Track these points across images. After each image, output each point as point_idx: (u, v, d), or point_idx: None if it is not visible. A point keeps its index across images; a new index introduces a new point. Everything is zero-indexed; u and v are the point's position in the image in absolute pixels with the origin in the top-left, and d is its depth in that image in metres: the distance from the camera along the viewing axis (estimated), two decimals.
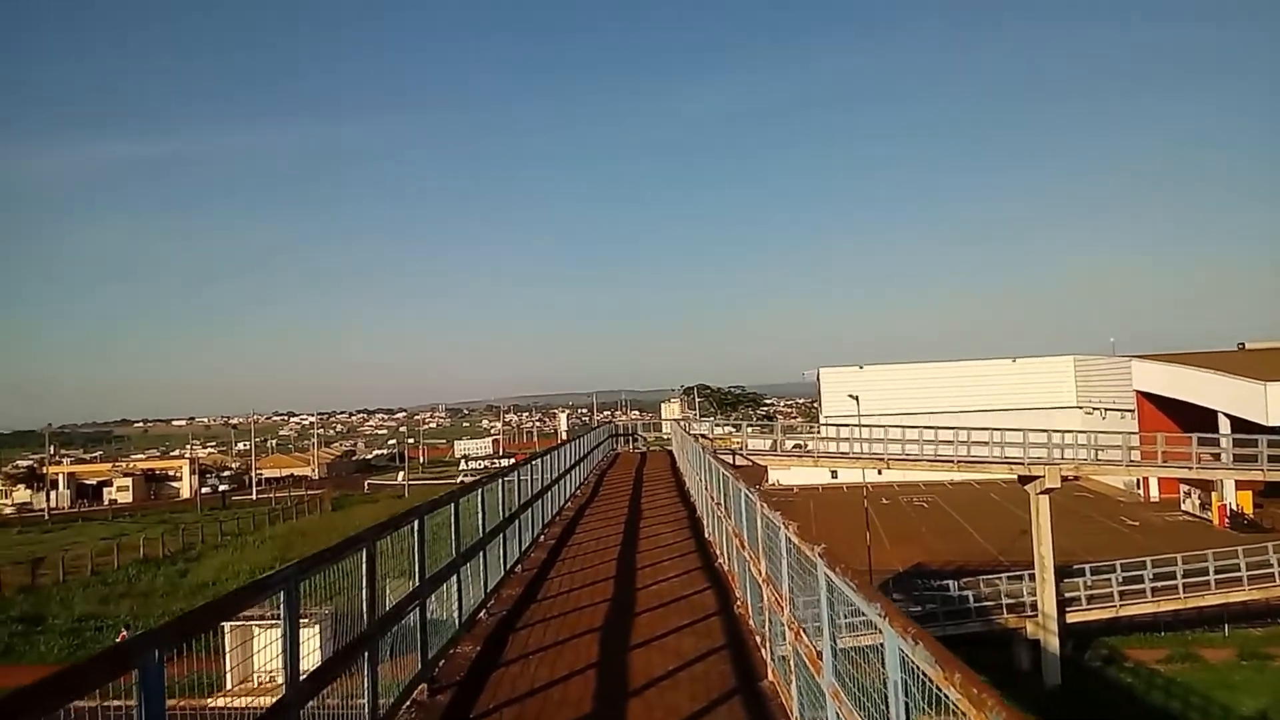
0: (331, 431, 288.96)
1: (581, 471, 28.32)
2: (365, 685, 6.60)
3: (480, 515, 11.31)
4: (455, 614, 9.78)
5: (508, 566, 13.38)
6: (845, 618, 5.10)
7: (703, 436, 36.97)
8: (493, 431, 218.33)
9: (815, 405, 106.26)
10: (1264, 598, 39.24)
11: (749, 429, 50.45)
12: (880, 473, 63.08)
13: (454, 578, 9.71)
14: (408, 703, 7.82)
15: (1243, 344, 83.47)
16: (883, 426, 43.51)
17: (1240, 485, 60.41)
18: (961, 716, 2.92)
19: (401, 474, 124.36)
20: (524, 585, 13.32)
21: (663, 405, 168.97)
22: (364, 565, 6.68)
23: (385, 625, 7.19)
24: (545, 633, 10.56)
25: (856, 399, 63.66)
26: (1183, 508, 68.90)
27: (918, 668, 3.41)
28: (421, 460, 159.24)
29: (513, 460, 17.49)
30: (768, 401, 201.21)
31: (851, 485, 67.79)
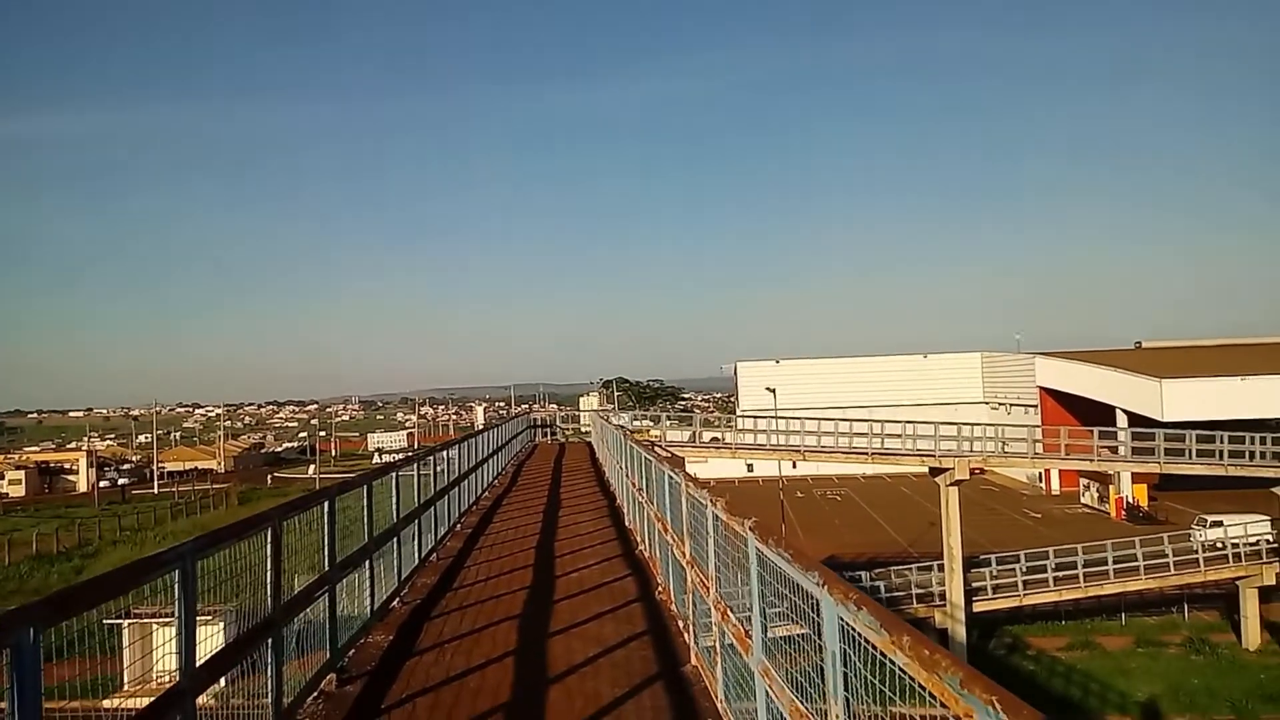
0: (240, 424, 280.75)
1: (499, 461, 27.90)
2: (270, 676, 6.23)
3: (394, 500, 10.93)
4: (367, 602, 9.41)
5: (423, 555, 13.00)
6: (772, 606, 4.94)
7: (622, 428, 36.87)
8: (408, 424, 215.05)
9: (733, 399, 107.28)
10: (1159, 587, 40.91)
11: (667, 421, 50.58)
12: (795, 466, 64.02)
13: (366, 564, 9.34)
14: (315, 694, 7.44)
15: (1139, 343, 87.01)
16: (799, 419, 44.01)
17: (1136, 479, 63.05)
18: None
19: (312, 467, 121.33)
20: (440, 574, 12.95)
21: (581, 399, 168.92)
22: (268, 545, 6.30)
23: (291, 611, 6.82)
24: (462, 621, 10.25)
25: (774, 392, 64.31)
26: (1082, 500, 71.60)
27: (859, 636, 3.26)
28: (334, 453, 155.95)
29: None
30: (686, 395, 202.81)
31: (767, 479, 68.62)
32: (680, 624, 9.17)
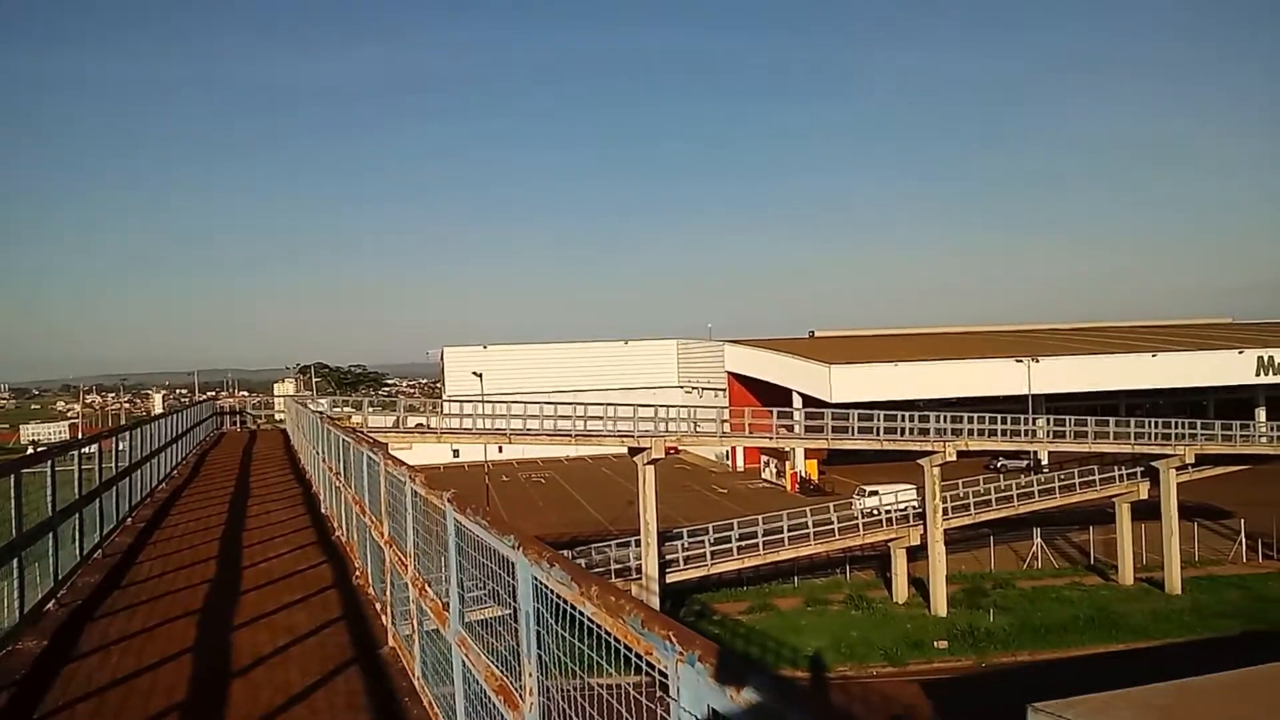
0: None
1: (179, 450, 25.68)
2: None
3: (49, 491, 9.76)
4: (15, 605, 8.35)
5: (85, 552, 11.70)
6: (470, 590, 4.96)
7: (320, 414, 35.16)
8: (70, 414, 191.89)
9: (439, 385, 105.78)
10: (825, 551, 45.31)
11: (370, 407, 48.88)
12: (501, 450, 64.31)
13: (14, 562, 8.28)
14: None
15: (813, 331, 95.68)
16: (505, 402, 44.19)
17: (809, 454, 69.38)
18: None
19: None
20: (106, 572, 11.74)
21: (276, 385, 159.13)
22: None
23: None
24: (131, 620, 9.35)
25: (480, 376, 64.21)
26: (763, 476, 77.74)
27: (553, 595, 3.36)
28: None
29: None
30: (390, 381, 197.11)
31: (473, 464, 68.41)
32: (378, 607, 8.96)
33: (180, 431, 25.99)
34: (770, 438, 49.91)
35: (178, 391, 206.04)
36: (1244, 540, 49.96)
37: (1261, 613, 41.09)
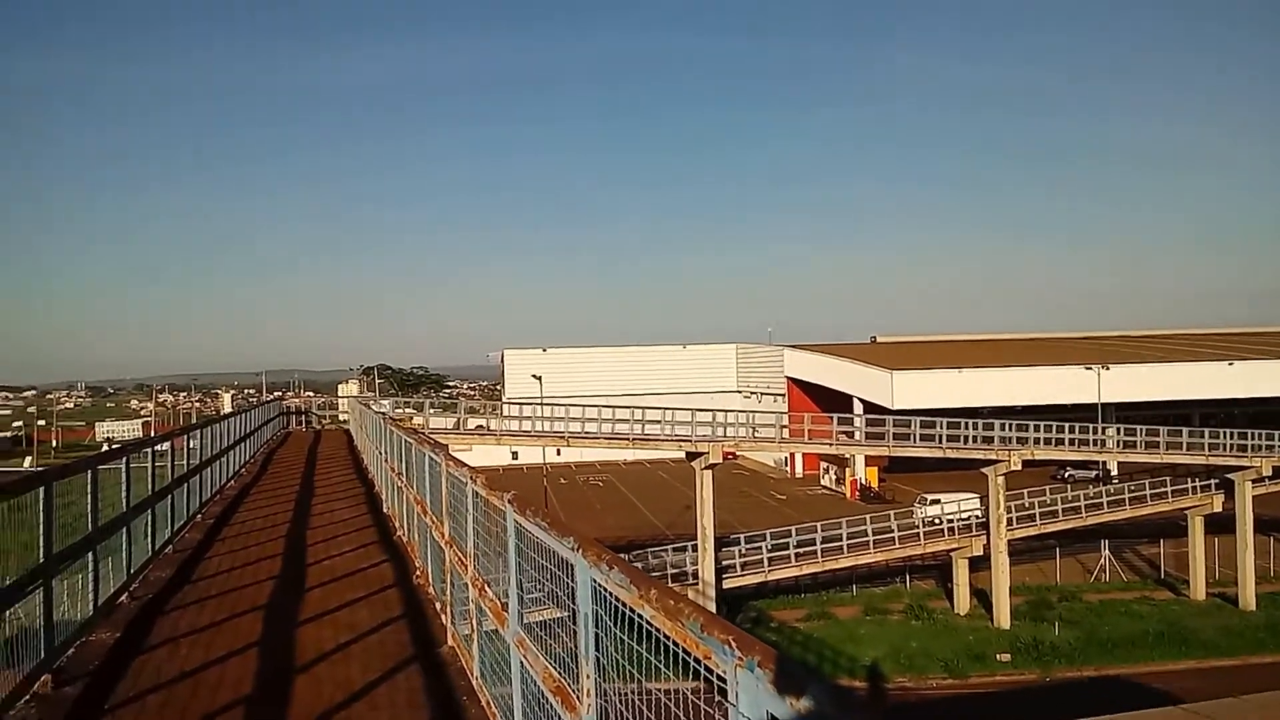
0: None
1: (248, 449, 26.29)
2: None
3: (124, 488, 10.06)
4: (90, 597, 8.62)
5: (157, 547, 12.04)
6: (529, 591, 5.00)
7: (383, 414, 35.78)
8: (143, 413, 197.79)
9: (499, 387, 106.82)
10: (885, 559, 44.78)
11: (431, 408, 49.58)
12: (559, 453, 64.77)
13: (89, 555, 8.55)
14: (25, 698, 6.73)
15: (875, 337, 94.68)
16: (564, 406, 44.48)
17: (869, 461, 68.59)
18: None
19: (29, 459, 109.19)
20: (176, 566, 12.06)
21: (340, 386, 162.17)
22: None
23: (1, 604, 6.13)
24: (200, 614, 9.59)
25: (539, 379, 64.70)
26: (822, 482, 77.02)
27: (612, 597, 3.36)
28: (55, 444, 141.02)
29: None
30: (451, 383, 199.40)
31: (531, 466, 68.93)
32: (438, 606, 9.06)
33: (248, 430, 26.61)
34: (830, 444, 49.57)
35: (246, 391, 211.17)
36: None
37: None
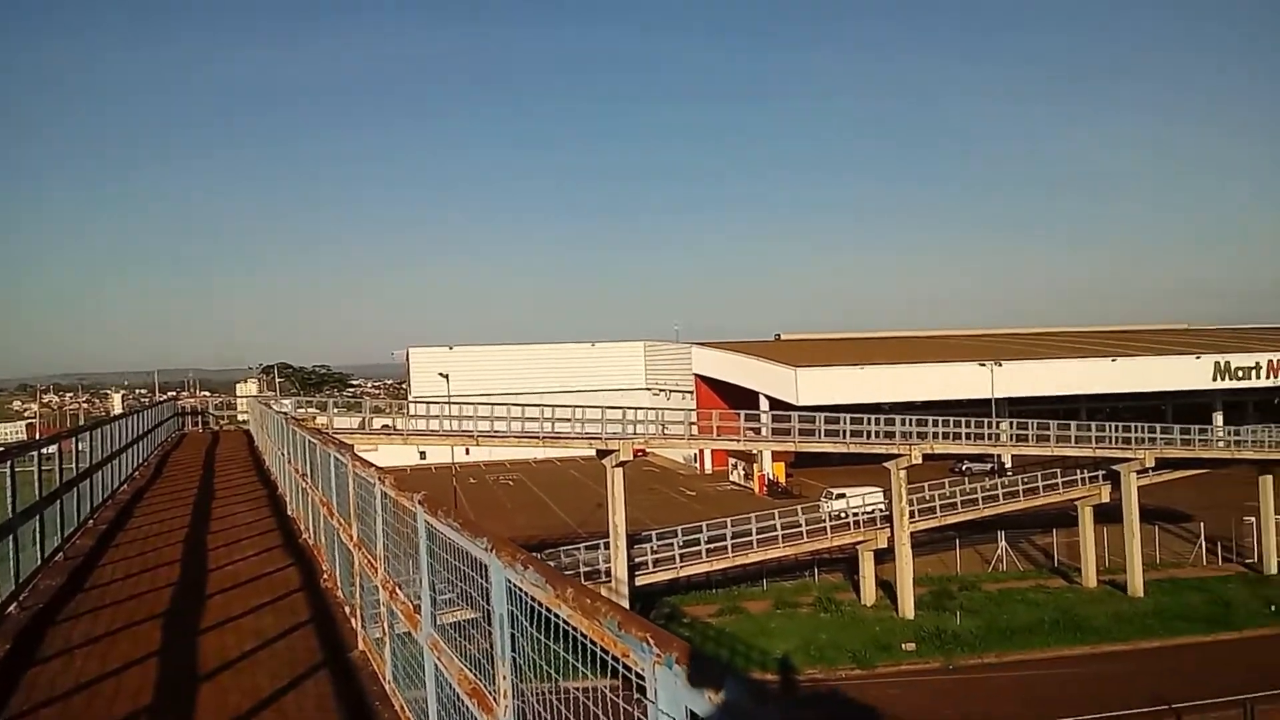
0: None
1: (141, 451, 25.32)
2: None
3: (8, 493, 9.61)
4: None
5: (46, 555, 11.51)
6: (442, 593, 4.97)
7: (285, 414, 34.85)
8: (27, 414, 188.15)
9: (404, 385, 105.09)
10: (794, 554, 45.58)
11: (334, 408, 48.50)
12: (469, 452, 64.08)
13: None
14: None
15: (779, 335, 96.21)
16: (472, 404, 44.01)
17: (776, 457, 69.74)
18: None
19: None
20: (68, 574, 11.55)
21: (238, 385, 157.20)
22: None
23: None
24: (95, 624, 9.22)
25: (446, 377, 63.92)
26: (731, 478, 78.02)
27: (528, 597, 3.38)
28: None
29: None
30: (354, 382, 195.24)
31: (440, 465, 68.05)
32: (347, 610, 8.91)
33: (141, 432, 25.61)
34: (737, 440, 50.18)
35: (137, 391, 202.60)
36: (1204, 543, 50.90)
37: (1222, 615, 41.90)
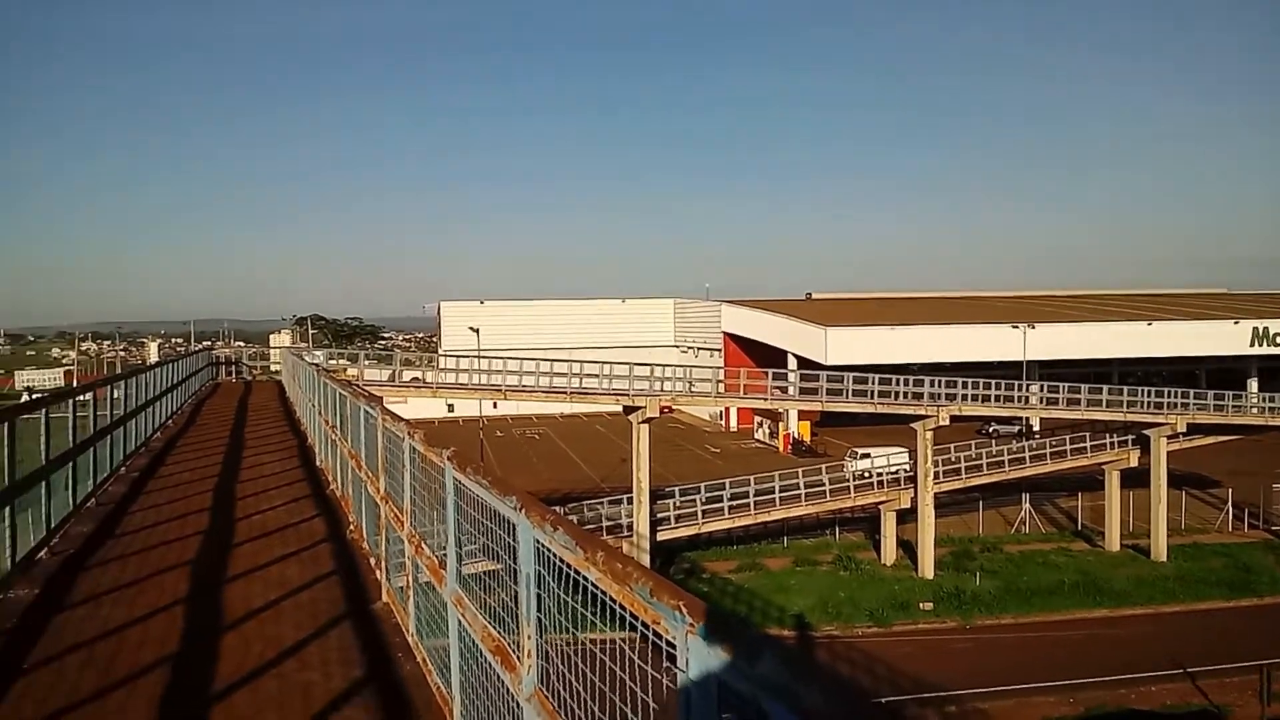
0: None
1: (175, 400, 25.58)
2: None
3: (42, 440, 9.68)
4: (7, 553, 8.31)
5: (78, 501, 11.66)
6: (466, 543, 4.90)
7: (316, 365, 35.09)
8: (65, 361, 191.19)
9: (435, 339, 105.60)
10: (816, 512, 45.57)
11: (366, 360, 48.83)
12: (496, 406, 64.42)
13: (5, 510, 8.22)
14: None
15: (810, 294, 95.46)
16: (501, 358, 44.12)
17: (802, 415, 69.53)
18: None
19: None
20: (99, 521, 11.69)
21: (272, 336, 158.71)
22: None
23: None
24: (124, 570, 9.31)
25: (477, 332, 64.15)
26: (756, 436, 77.94)
27: (555, 559, 3.29)
28: None
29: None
30: (386, 335, 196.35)
31: (468, 419, 68.55)
32: (372, 562, 8.93)
33: (176, 381, 25.87)
34: (764, 399, 50.05)
35: (173, 340, 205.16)
36: (1230, 509, 50.34)
37: (1245, 581, 41.54)
